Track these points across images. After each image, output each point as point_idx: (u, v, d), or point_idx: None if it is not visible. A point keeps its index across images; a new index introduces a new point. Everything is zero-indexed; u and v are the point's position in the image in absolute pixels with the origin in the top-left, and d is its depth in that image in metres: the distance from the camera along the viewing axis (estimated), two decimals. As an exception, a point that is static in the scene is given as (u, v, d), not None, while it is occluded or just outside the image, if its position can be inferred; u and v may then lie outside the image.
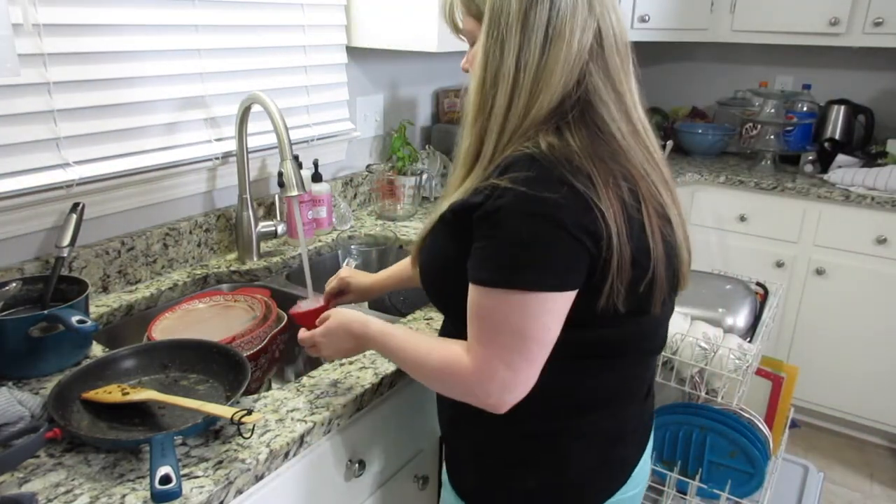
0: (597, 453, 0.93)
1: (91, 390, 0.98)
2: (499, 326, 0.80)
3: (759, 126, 2.77)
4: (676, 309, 1.44)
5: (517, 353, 0.79)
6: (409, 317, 1.32)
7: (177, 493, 0.77)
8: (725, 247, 2.65)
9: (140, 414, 0.96)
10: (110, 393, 0.97)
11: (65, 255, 1.20)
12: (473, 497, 0.99)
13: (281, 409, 1.00)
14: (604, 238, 0.77)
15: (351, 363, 1.13)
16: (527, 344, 0.79)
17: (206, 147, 1.54)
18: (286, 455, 0.93)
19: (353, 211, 1.99)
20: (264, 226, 1.60)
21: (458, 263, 0.84)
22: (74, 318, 1.02)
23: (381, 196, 1.97)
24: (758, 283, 1.65)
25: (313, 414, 0.99)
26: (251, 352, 1.14)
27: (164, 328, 1.21)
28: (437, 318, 1.29)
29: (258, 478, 0.89)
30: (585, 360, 0.88)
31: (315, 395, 1.04)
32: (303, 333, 1.03)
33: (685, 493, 1.44)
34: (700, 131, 2.96)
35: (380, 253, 1.77)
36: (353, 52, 1.90)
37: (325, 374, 1.10)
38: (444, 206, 0.88)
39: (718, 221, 2.65)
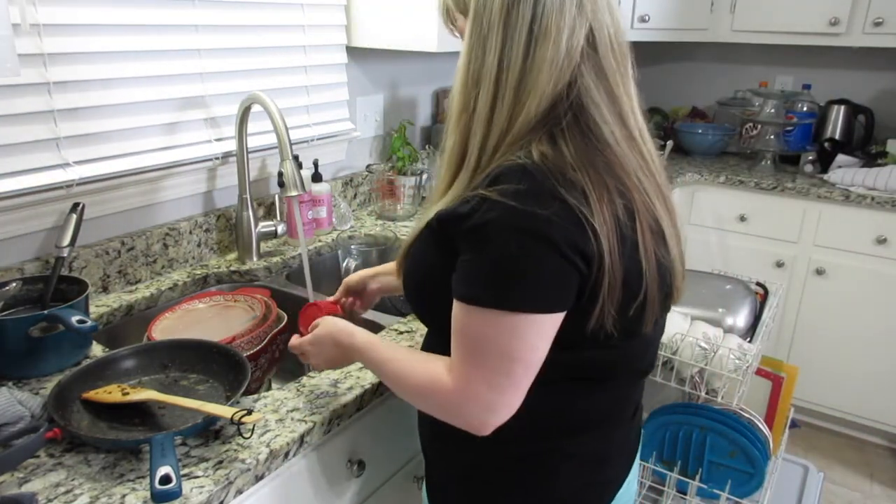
0: (583, 475, 0.91)
1: (91, 390, 0.98)
2: (483, 346, 0.76)
3: (759, 126, 2.77)
4: (676, 309, 1.45)
5: (502, 375, 0.76)
6: (409, 317, 1.32)
7: (177, 493, 0.77)
8: (725, 247, 2.65)
9: (140, 414, 0.96)
10: (110, 393, 0.97)
11: (65, 255, 1.20)
12: None
13: (281, 409, 1.00)
14: (595, 258, 0.74)
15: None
16: (512, 366, 0.76)
17: (206, 147, 1.54)
18: (286, 455, 0.93)
19: (353, 211, 1.99)
20: (264, 226, 1.60)
21: (442, 273, 0.81)
22: (74, 318, 1.02)
23: (381, 196, 1.97)
24: (758, 283, 1.65)
25: (313, 414, 0.99)
26: (251, 352, 1.14)
27: (164, 328, 1.21)
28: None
29: (258, 478, 0.89)
30: (574, 382, 0.86)
31: (315, 395, 1.04)
32: (293, 341, 1.02)
33: (685, 493, 1.44)
34: (700, 131, 2.96)
35: (380, 253, 1.77)
36: (353, 52, 1.90)
37: (325, 374, 1.10)
38: (430, 213, 0.84)
39: (718, 221, 2.65)
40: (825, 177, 2.53)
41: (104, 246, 1.36)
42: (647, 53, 3.11)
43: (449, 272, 0.80)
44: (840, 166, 2.54)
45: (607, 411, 0.91)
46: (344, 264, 1.72)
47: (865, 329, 2.46)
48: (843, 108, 2.76)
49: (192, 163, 1.51)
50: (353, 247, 1.74)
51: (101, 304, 1.33)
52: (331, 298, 1.21)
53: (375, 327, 1.33)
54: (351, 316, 1.19)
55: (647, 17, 2.63)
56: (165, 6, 1.39)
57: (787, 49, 2.91)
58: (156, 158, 1.43)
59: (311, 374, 1.10)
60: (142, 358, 1.07)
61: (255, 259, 1.58)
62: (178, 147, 1.48)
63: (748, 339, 1.44)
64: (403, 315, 1.33)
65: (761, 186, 2.53)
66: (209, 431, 0.93)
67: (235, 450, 0.90)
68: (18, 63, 0.98)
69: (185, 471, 0.85)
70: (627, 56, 0.84)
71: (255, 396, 1.03)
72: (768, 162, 2.74)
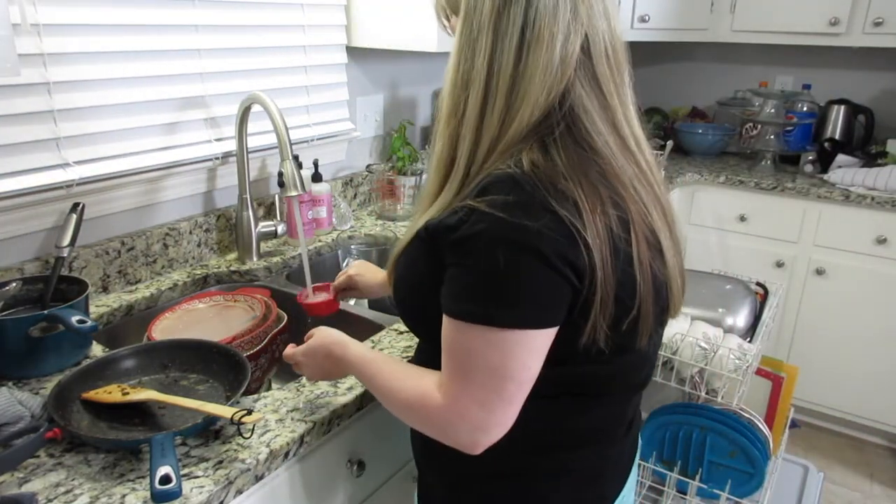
0: (577, 490, 0.89)
1: (91, 390, 0.98)
2: (473, 363, 0.74)
3: (759, 126, 2.77)
4: (676, 309, 1.44)
5: (493, 393, 0.74)
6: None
7: (177, 493, 0.77)
8: (725, 247, 2.65)
9: (140, 414, 0.96)
10: (110, 393, 0.97)
11: (65, 255, 1.20)
12: None
13: (281, 409, 1.00)
14: (587, 271, 0.72)
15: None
16: (504, 383, 0.73)
17: (206, 147, 1.54)
18: (286, 455, 0.93)
19: (353, 211, 1.99)
20: (264, 226, 1.60)
21: (431, 283, 0.79)
22: (74, 318, 1.02)
23: (381, 196, 1.97)
24: (758, 283, 1.65)
25: (313, 414, 0.99)
26: (251, 352, 1.14)
27: (164, 328, 1.21)
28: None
29: (258, 478, 0.89)
30: (567, 397, 0.84)
31: (315, 395, 1.04)
32: (287, 350, 1.00)
33: (685, 493, 1.44)
34: (700, 131, 2.96)
35: (380, 253, 1.77)
36: (353, 52, 1.90)
37: (325, 374, 1.10)
38: (420, 222, 0.82)
39: (718, 221, 2.65)
40: (825, 177, 2.53)
41: (104, 246, 1.36)
42: (646, 53, 3.11)
43: (439, 282, 0.78)
44: (840, 166, 2.54)
45: (602, 426, 0.89)
46: (344, 264, 1.72)
47: (865, 329, 2.46)
48: (843, 108, 2.76)
49: (192, 163, 1.51)
50: (353, 247, 1.74)
51: (101, 304, 1.33)
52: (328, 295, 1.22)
53: (375, 327, 1.33)
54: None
55: (646, 17, 2.63)
56: (165, 6, 1.39)
57: (787, 49, 2.91)
58: (156, 158, 1.43)
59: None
60: (142, 358, 1.07)
61: (255, 259, 1.58)
62: (178, 147, 1.48)
63: (748, 339, 1.44)
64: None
65: (761, 186, 2.53)
66: (209, 431, 0.93)
67: (235, 450, 0.90)
68: (18, 63, 0.98)
69: (185, 471, 0.85)
70: (624, 64, 0.81)
71: (255, 396, 1.03)
72: (768, 162, 2.74)
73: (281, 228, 1.62)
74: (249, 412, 0.87)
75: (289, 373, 1.47)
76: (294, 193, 1.33)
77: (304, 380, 1.07)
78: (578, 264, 0.72)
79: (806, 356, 2.56)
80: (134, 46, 1.35)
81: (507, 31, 0.76)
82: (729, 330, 1.44)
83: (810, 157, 2.68)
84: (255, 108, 1.46)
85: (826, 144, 2.68)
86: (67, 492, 0.81)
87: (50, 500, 0.80)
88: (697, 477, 1.42)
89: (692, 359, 1.33)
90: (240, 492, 0.87)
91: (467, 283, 0.74)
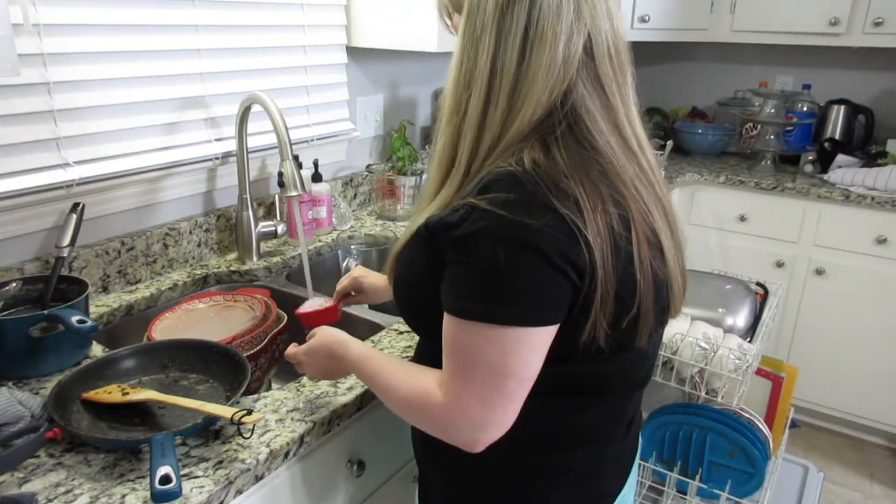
0: (576, 489, 0.89)
1: (91, 390, 0.98)
2: (474, 361, 0.74)
3: (759, 126, 2.77)
4: (676, 309, 1.44)
5: (494, 391, 0.74)
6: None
7: (177, 493, 0.77)
8: (725, 247, 2.65)
9: (140, 414, 0.96)
10: (110, 393, 0.97)
11: (65, 255, 1.20)
12: None
13: (281, 409, 1.00)
14: (588, 269, 0.72)
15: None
16: (504, 381, 0.74)
17: (206, 147, 1.54)
18: (286, 455, 0.93)
19: (353, 211, 1.99)
20: (264, 226, 1.60)
21: (432, 280, 0.79)
22: (74, 318, 1.02)
23: (381, 196, 1.97)
24: (758, 283, 1.65)
25: (313, 414, 0.99)
26: (251, 352, 1.14)
27: (164, 328, 1.21)
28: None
29: (258, 478, 0.89)
30: (567, 395, 0.84)
31: (315, 394, 1.04)
32: (289, 350, 1.00)
33: (685, 493, 1.44)
34: (700, 131, 2.96)
35: (380, 253, 1.77)
36: (353, 52, 1.90)
37: (325, 374, 1.10)
38: (420, 219, 0.82)
39: (718, 221, 2.65)
40: (825, 177, 2.53)
41: (104, 246, 1.36)
42: (647, 53, 3.11)
43: (439, 280, 0.78)
44: (840, 166, 2.54)
45: (602, 425, 0.89)
46: (344, 264, 1.72)
47: (865, 329, 2.46)
48: (843, 108, 2.76)
49: (192, 163, 1.51)
50: (353, 247, 1.74)
51: (101, 304, 1.33)
52: (328, 302, 1.22)
53: (375, 327, 1.33)
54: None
55: (647, 17, 2.63)
56: (165, 6, 1.39)
57: (787, 49, 2.91)
58: (156, 158, 1.43)
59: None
60: (142, 358, 1.07)
61: (255, 259, 1.58)
62: (178, 147, 1.48)
63: (748, 339, 1.44)
64: (403, 315, 1.33)
65: (761, 186, 2.53)
66: (209, 431, 0.93)
67: (235, 450, 0.90)
68: (18, 63, 0.98)
69: (185, 471, 0.85)
70: (627, 65, 0.81)
71: (255, 396, 1.03)
72: (768, 162, 2.74)
73: (281, 228, 1.62)
74: (249, 412, 0.87)
75: (289, 373, 1.47)
76: (294, 193, 1.33)
77: (304, 379, 1.07)
78: (579, 262, 0.72)
79: (806, 356, 2.56)
80: (134, 46, 1.35)
81: (511, 31, 0.76)
82: (729, 330, 1.44)
83: (810, 157, 2.68)
84: (255, 108, 1.46)
85: (826, 144, 2.68)
86: (67, 492, 0.81)
87: (50, 500, 0.80)
88: (697, 477, 1.42)
89: (692, 359, 1.33)
90: (240, 492, 0.87)
91: (468, 281, 0.74)
